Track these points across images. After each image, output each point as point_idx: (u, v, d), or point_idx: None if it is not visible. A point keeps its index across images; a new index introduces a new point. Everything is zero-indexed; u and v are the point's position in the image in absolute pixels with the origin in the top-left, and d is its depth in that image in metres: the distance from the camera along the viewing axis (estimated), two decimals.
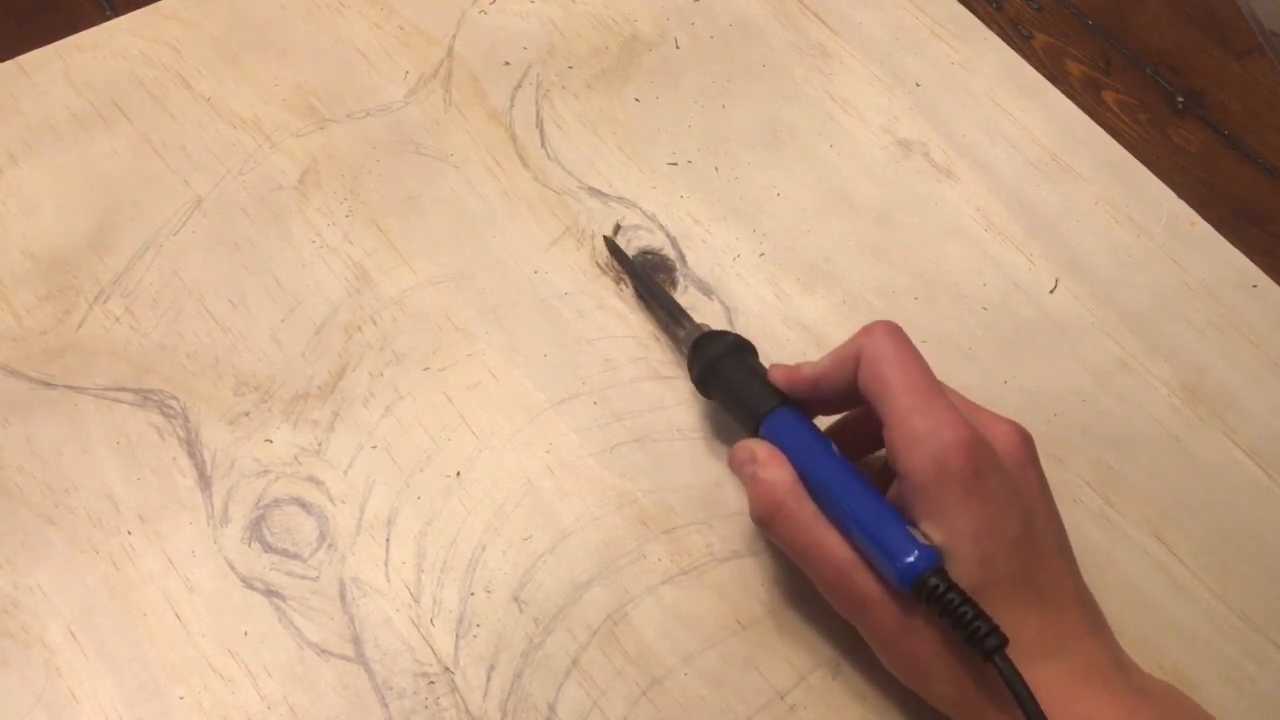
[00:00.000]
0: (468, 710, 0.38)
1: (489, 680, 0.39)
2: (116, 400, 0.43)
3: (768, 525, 0.38)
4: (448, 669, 0.39)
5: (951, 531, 0.34)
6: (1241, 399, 0.46)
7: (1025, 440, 0.37)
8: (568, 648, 0.39)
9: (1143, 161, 0.52)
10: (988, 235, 0.49)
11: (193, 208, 0.48)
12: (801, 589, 0.41)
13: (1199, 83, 0.55)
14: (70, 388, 0.43)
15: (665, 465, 0.43)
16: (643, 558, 0.41)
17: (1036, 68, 0.54)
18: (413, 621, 0.40)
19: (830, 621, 0.40)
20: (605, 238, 0.48)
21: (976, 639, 0.33)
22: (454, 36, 0.53)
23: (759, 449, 0.38)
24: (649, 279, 0.46)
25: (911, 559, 0.34)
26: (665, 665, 0.39)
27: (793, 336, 0.46)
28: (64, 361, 0.44)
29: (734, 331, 0.43)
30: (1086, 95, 0.54)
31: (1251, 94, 0.55)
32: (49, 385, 0.43)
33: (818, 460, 0.38)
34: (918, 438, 0.35)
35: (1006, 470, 0.36)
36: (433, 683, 0.39)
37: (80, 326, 0.45)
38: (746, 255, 0.48)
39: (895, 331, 0.38)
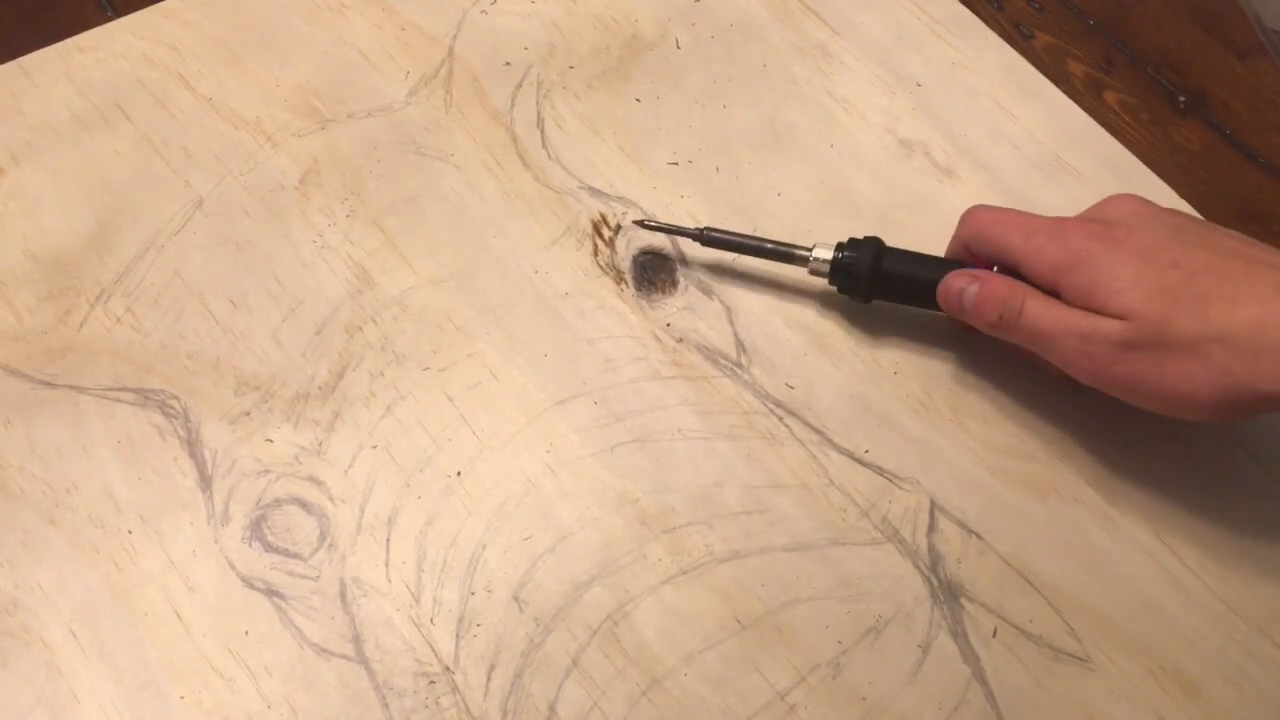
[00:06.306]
0: (468, 710, 0.38)
1: (489, 680, 0.39)
2: (118, 400, 0.43)
3: (1001, 324, 0.41)
4: (448, 668, 0.39)
5: (1117, 292, 0.38)
6: None
7: (1138, 199, 0.41)
8: (568, 647, 0.39)
9: (1144, 161, 0.52)
10: None
11: (194, 208, 0.48)
12: (801, 589, 0.41)
13: (1201, 82, 0.55)
14: (71, 388, 0.43)
15: (665, 465, 0.43)
16: (643, 558, 0.41)
17: (1038, 67, 0.54)
18: (413, 621, 0.40)
19: (830, 622, 0.40)
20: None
21: None
22: (455, 37, 0.53)
23: (971, 271, 0.42)
24: (745, 238, 0.46)
25: None
26: (665, 665, 0.39)
27: (793, 336, 0.46)
28: (65, 361, 0.44)
29: (858, 238, 0.45)
30: (1088, 95, 0.54)
31: (1253, 93, 0.55)
32: (50, 385, 0.44)
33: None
34: (1041, 248, 0.40)
35: (1132, 224, 0.39)
36: (433, 682, 0.39)
37: (81, 326, 0.45)
38: (747, 255, 0.48)
39: (981, 206, 0.43)
